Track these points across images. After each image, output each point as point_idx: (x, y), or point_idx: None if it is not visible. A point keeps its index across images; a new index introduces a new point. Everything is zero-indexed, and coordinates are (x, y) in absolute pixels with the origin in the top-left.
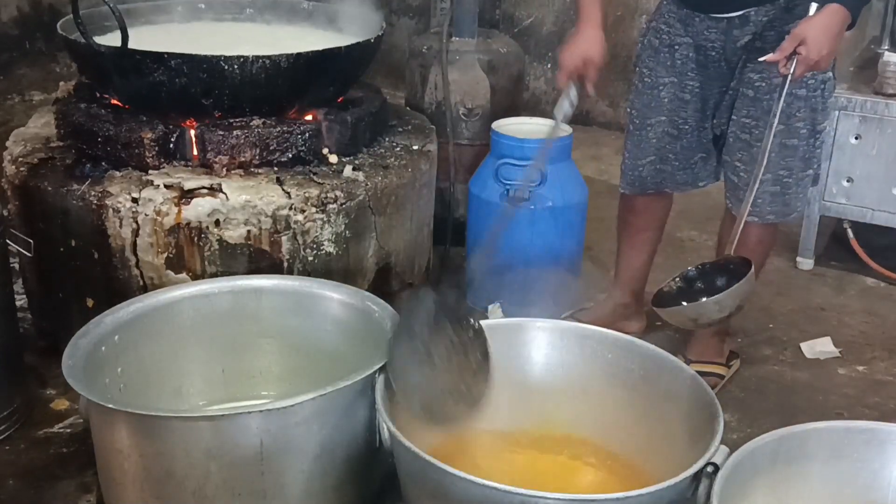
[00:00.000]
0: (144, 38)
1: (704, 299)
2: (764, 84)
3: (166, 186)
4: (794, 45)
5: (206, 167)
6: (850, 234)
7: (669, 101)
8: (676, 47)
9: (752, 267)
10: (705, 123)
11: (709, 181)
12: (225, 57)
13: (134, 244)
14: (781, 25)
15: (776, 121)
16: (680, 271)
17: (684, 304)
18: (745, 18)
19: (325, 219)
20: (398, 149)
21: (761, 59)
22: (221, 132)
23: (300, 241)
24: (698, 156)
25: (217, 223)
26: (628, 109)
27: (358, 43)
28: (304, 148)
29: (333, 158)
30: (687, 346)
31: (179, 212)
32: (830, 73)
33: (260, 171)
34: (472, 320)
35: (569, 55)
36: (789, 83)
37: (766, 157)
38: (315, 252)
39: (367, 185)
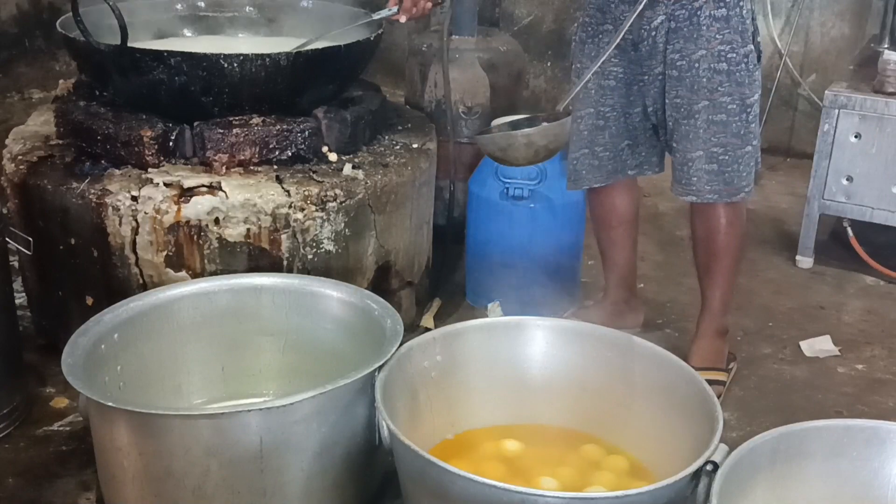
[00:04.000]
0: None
1: (514, 131)
2: (684, 62)
3: (166, 184)
4: None
5: (206, 165)
6: (850, 232)
7: (595, 91)
8: (601, 36)
9: (570, 116)
10: (630, 109)
11: (638, 171)
12: (224, 55)
13: (133, 242)
14: (691, 2)
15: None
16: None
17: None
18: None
19: (325, 217)
20: (398, 147)
21: None
22: (221, 130)
23: (300, 240)
24: (624, 143)
25: (216, 221)
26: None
27: (357, 41)
28: (303, 146)
29: (333, 157)
30: (688, 353)
31: (179, 210)
32: (751, 46)
33: (259, 169)
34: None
35: None
36: None
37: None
38: (314, 250)
39: (366, 183)
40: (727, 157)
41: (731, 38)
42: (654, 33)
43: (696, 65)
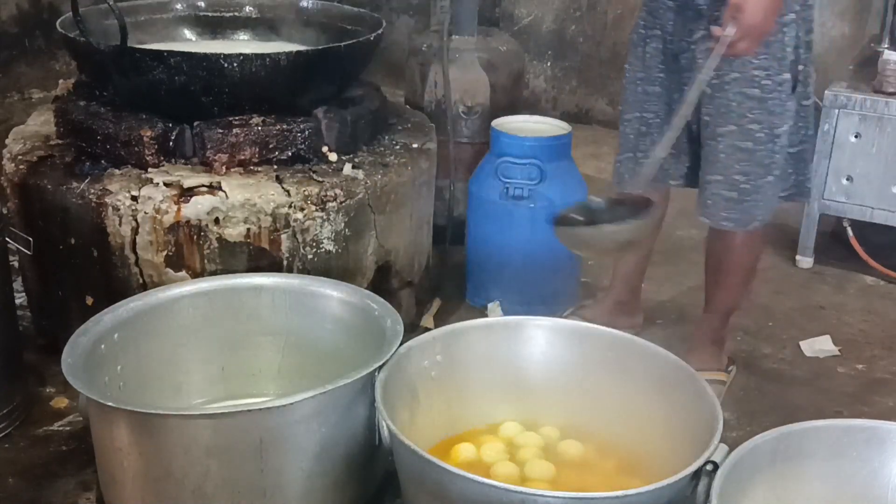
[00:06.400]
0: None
1: (602, 225)
2: (717, 81)
3: (166, 184)
4: (733, 14)
5: (206, 165)
6: (850, 232)
7: (641, 95)
8: (648, 40)
9: (650, 206)
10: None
11: (681, 182)
12: (224, 55)
13: (133, 242)
14: None
15: (701, 77)
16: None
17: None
18: (697, 11)
19: (325, 217)
20: (398, 147)
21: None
22: (221, 130)
23: (300, 240)
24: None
25: (216, 221)
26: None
27: (357, 41)
28: (303, 146)
29: (333, 156)
30: (686, 355)
31: (179, 210)
32: (788, 74)
33: (259, 169)
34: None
35: None
36: (721, 47)
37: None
38: (314, 250)
39: (366, 183)
40: (748, 187)
41: (769, 63)
42: (693, 46)
43: (727, 87)
